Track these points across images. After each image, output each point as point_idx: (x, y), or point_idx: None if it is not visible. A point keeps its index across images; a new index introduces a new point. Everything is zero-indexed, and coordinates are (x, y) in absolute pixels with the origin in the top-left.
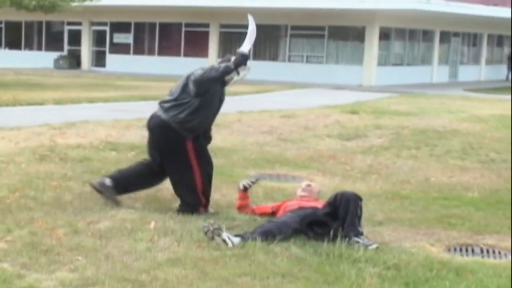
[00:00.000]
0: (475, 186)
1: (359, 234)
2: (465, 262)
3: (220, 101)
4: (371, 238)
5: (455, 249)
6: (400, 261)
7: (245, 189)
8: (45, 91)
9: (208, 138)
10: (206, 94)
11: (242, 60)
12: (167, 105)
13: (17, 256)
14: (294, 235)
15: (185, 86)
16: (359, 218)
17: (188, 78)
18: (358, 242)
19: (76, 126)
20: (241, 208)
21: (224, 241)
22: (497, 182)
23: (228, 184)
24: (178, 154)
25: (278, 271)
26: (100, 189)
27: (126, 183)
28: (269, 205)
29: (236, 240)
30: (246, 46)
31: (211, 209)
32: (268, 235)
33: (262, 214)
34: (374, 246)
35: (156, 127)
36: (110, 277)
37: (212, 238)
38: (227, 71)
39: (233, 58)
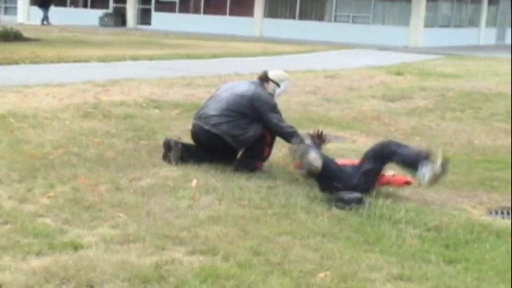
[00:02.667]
0: None
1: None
2: (506, 225)
3: None
4: (412, 200)
5: (496, 212)
6: (441, 223)
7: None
8: (89, 48)
9: None
10: None
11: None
12: (215, 120)
13: (59, 211)
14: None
15: (239, 105)
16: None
17: (241, 97)
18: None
19: (120, 83)
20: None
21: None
22: None
23: None
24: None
25: (319, 230)
26: (171, 146)
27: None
28: None
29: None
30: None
31: (264, 167)
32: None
33: None
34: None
35: (208, 140)
36: (151, 234)
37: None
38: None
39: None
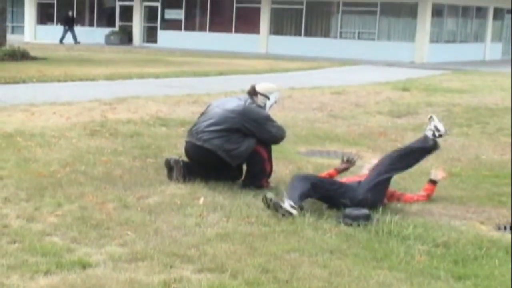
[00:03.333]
0: None
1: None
2: None
3: None
4: (421, 216)
5: (505, 228)
6: (449, 238)
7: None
8: (96, 66)
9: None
10: None
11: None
12: (207, 135)
13: (67, 230)
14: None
15: (230, 121)
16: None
17: (232, 112)
18: None
19: (127, 101)
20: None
21: (288, 212)
22: None
23: (278, 160)
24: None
25: (327, 247)
26: (172, 165)
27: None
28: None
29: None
30: None
31: (271, 183)
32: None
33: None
34: None
35: (201, 156)
36: (159, 252)
37: (276, 211)
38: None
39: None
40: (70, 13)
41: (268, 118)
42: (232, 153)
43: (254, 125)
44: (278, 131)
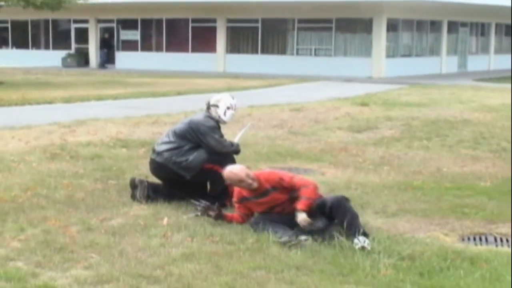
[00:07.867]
0: (487, 176)
1: (360, 234)
2: (479, 251)
3: None
4: (385, 229)
5: (469, 239)
6: (414, 251)
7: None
8: (54, 89)
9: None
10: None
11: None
12: (160, 148)
13: (31, 254)
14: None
15: (180, 130)
16: (356, 217)
17: (182, 123)
18: (357, 244)
19: (86, 124)
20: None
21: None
22: (509, 171)
23: None
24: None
25: (293, 264)
26: (136, 184)
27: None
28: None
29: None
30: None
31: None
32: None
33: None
34: (366, 243)
35: (158, 171)
36: (125, 274)
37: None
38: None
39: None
40: (106, 35)
41: (210, 130)
42: (182, 166)
43: (194, 135)
44: (218, 144)
